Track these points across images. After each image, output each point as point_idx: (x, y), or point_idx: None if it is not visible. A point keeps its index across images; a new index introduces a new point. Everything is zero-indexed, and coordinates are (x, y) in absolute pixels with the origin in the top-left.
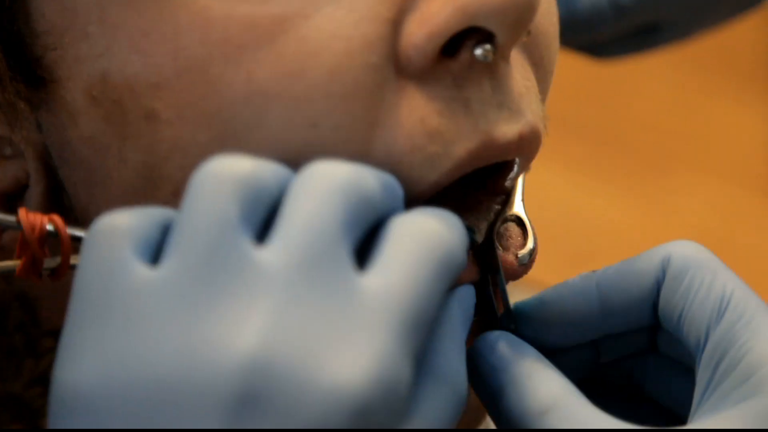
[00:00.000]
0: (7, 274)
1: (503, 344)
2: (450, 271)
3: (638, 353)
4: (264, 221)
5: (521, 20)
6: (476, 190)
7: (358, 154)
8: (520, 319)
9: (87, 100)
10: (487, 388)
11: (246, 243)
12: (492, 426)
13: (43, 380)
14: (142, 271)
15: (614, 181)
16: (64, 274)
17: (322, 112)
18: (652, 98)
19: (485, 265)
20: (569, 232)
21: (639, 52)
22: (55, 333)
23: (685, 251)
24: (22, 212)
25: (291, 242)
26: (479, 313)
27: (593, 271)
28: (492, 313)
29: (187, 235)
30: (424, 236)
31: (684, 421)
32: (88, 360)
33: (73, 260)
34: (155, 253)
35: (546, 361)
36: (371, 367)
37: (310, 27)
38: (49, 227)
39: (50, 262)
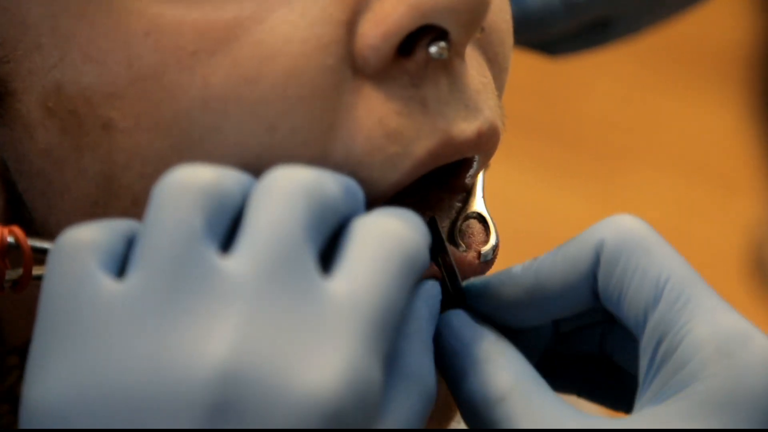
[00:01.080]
0: None
1: (462, 324)
2: (414, 271)
3: (600, 323)
4: (228, 230)
5: (474, 17)
6: (437, 188)
7: (318, 156)
8: (471, 297)
9: (42, 111)
10: (449, 371)
11: (211, 253)
12: (463, 425)
13: (9, 397)
14: (108, 284)
15: (570, 178)
16: (27, 286)
17: (280, 116)
18: (606, 95)
19: (435, 243)
20: (526, 230)
21: (590, 48)
22: (19, 350)
23: (618, 232)
24: None
25: (255, 250)
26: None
27: (534, 259)
28: (445, 292)
29: (152, 247)
30: (386, 237)
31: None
32: (57, 375)
33: (35, 271)
34: (121, 266)
35: (504, 342)
36: (342, 371)
37: (264, 31)
38: (10, 239)
39: (12, 274)
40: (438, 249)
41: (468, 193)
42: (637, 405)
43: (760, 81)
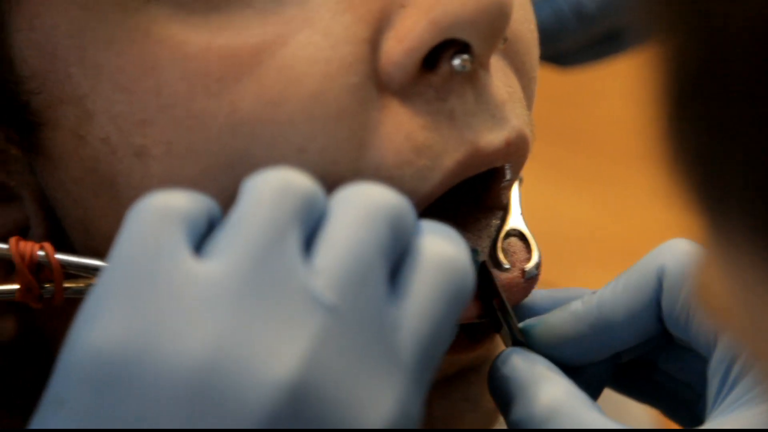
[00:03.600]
0: (8, 298)
1: (515, 356)
2: (464, 304)
3: (657, 348)
4: (310, 237)
5: (495, 29)
6: (472, 207)
7: (348, 173)
8: (530, 337)
9: (75, 140)
10: (501, 397)
11: (297, 259)
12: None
13: None
14: (189, 259)
15: (586, 181)
16: (61, 299)
17: (309, 137)
18: (619, 97)
19: (485, 286)
20: (540, 233)
21: (602, 60)
22: None
23: (678, 256)
24: (12, 241)
25: (335, 269)
26: (491, 330)
27: (592, 293)
28: (501, 332)
29: (243, 238)
30: (447, 270)
31: (700, 397)
32: (116, 325)
33: (69, 284)
34: (200, 243)
35: (556, 369)
36: (394, 411)
37: (288, 54)
38: (40, 253)
39: (51, 288)
40: (491, 293)
41: (504, 210)
42: (709, 419)
43: None
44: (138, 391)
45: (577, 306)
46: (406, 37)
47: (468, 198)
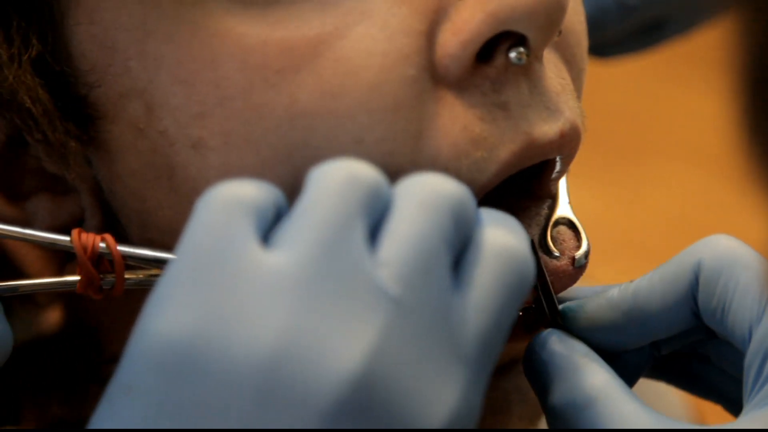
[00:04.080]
0: (69, 289)
1: (554, 339)
2: (525, 295)
3: (697, 342)
4: (374, 229)
5: (552, 21)
6: (522, 196)
7: (406, 165)
8: (567, 319)
9: (134, 133)
10: (538, 381)
11: (364, 252)
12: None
13: None
14: (257, 248)
15: (586, 172)
16: (121, 290)
17: (366, 128)
18: (616, 88)
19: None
20: None
21: (642, 50)
22: (117, 360)
23: (716, 251)
24: (74, 233)
25: (400, 260)
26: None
27: (629, 282)
28: (542, 313)
29: (311, 229)
30: (509, 261)
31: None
32: (186, 314)
33: (128, 275)
34: (267, 232)
35: (595, 355)
36: (456, 408)
37: (346, 46)
38: (102, 245)
39: (112, 279)
40: (535, 271)
41: (553, 199)
42: (745, 410)
43: None
44: (206, 379)
45: (613, 293)
46: (462, 30)
47: (517, 187)
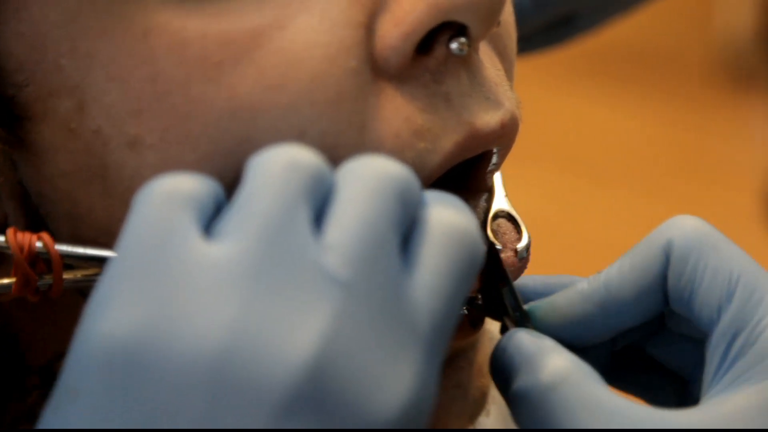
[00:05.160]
0: (4, 292)
1: (522, 333)
2: (476, 272)
3: (649, 334)
4: (318, 213)
5: (493, 11)
6: (458, 190)
7: (349, 157)
8: (536, 319)
9: (65, 133)
10: (502, 375)
11: (309, 238)
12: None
13: (30, 417)
14: (200, 242)
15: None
16: (59, 291)
17: (309, 120)
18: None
19: (491, 271)
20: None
21: (554, 46)
22: (41, 370)
23: (685, 231)
24: (10, 233)
25: (348, 244)
26: (493, 315)
27: (598, 273)
28: (507, 315)
29: (253, 218)
30: (459, 240)
31: (691, 386)
32: (130, 312)
33: (66, 276)
34: (208, 225)
35: (560, 346)
36: (410, 396)
37: (286, 38)
38: (38, 244)
39: (48, 279)
40: (498, 277)
41: (489, 192)
42: (709, 395)
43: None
44: (155, 378)
45: (583, 286)
46: (403, 21)
47: (452, 181)
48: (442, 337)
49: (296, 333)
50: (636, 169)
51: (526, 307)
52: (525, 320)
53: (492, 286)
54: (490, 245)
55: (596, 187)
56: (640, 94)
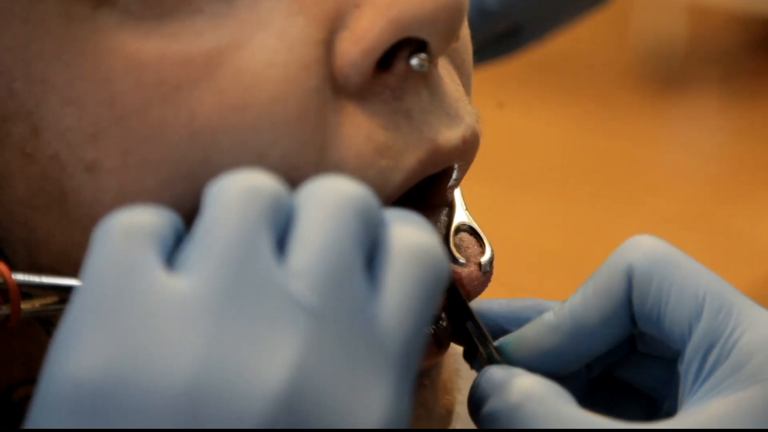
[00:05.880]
0: None
1: (495, 367)
2: (441, 290)
3: (621, 357)
4: (280, 239)
5: (453, 27)
6: (418, 207)
7: (310, 177)
8: (506, 354)
9: (21, 159)
10: (476, 403)
11: (273, 266)
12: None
13: None
14: (163, 276)
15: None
16: (17, 321)
17: (269, 142)
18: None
19: (455, 308)
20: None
21: (501, 57)
22: None
23: (644, 253)
24: None
25: (312, 269)
26: (460, 343)
27: (563, 303)
28: (478, 352)
29: (214, 249)
30: (423, 260)
31: (661, 405)
32: (96, 353)
33: (24, 305)
34: (169, 258)
35: (530, 372)
36: (384, 418)
37: (245, 57)
38: None
39: (6, 310)
40: (464, 315)
41: (449, 207)
42: (684, 408)
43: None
44: (124, 419)
45: (549, 317)
46: (363, 38)
47: (411, 198)
48: (412, 358)
49: (267, 363)
50: (557, 175)
51: (495, 343)
52: (496, 355)
53: (457, 322)
54: (452, 283)
55: (517, 194)
56: (560, 101)
